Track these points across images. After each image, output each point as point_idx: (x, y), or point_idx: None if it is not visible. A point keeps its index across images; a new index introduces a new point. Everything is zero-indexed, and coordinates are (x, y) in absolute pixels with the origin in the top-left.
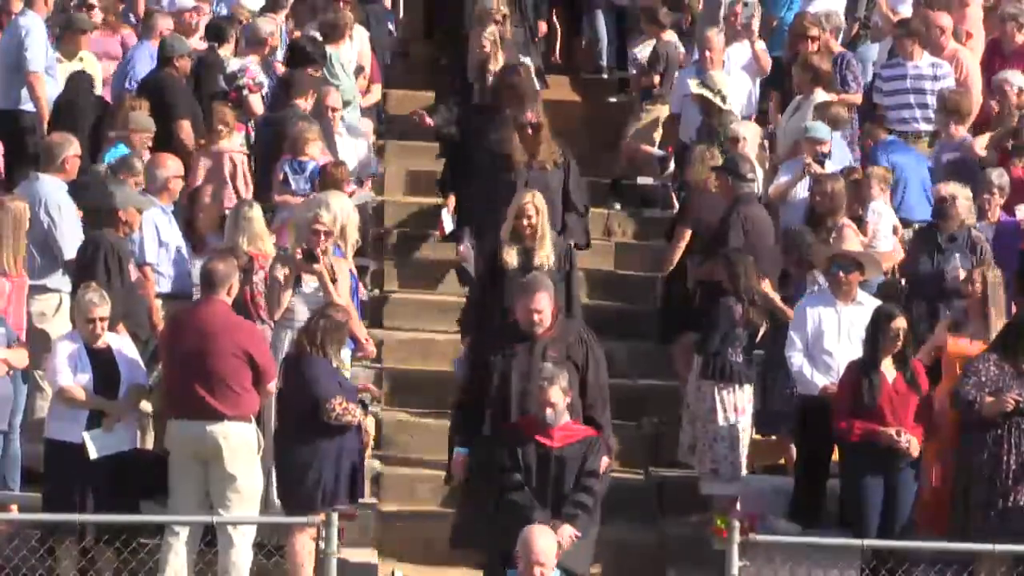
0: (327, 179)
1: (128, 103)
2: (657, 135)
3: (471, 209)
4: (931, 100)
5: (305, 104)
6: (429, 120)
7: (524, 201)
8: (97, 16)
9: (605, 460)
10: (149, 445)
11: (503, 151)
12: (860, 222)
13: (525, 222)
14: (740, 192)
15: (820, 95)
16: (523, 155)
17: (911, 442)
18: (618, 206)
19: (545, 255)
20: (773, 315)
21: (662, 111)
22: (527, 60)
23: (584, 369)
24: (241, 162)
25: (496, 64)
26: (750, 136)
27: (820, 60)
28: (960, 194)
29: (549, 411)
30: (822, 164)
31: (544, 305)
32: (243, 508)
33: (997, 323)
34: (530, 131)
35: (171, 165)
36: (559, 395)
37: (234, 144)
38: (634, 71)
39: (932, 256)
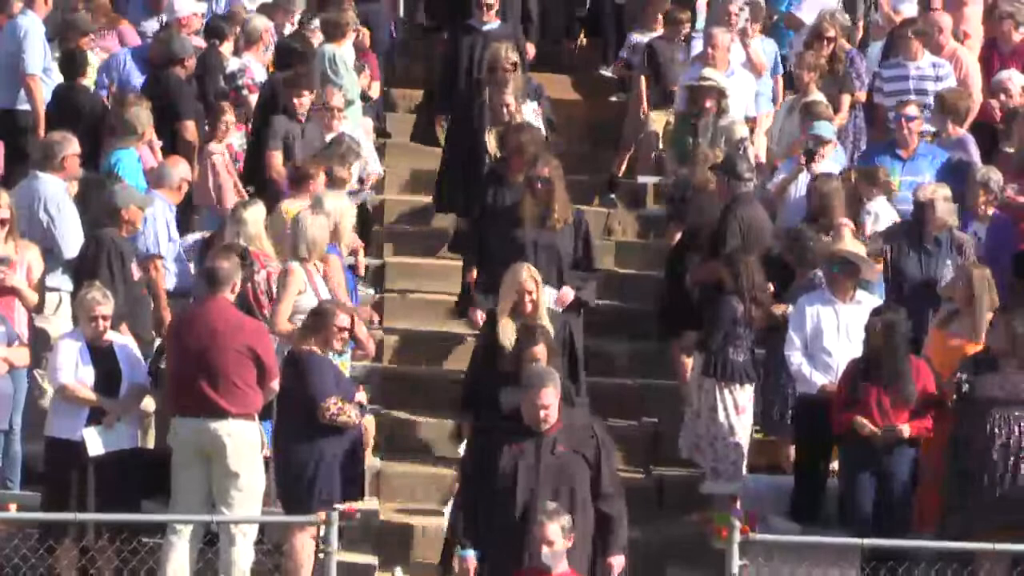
0: (298, 177)
1: (131, 100)
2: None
3: (485, 273)
4: (933, 100)
5: (301, 103)
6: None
7: (522, 277)
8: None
9: (620, 559)
10: (151, 444)
11: (512, 208)
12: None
13: (527, 298)
14: (737, 192)
15: (814, 94)
16: (533, 213)
17: (899, 429)
18: (619, 204)
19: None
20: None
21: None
22: (534, 105)
23: (596, 463)
24: (215, 161)
25: (519, 118)
26: (742, 134)
27: (816, 59)
28: (940, 195)
29: (546, 550)
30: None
31: (551, 400)
32: (246, 506)
33: (984, 321)
34: (540, 187)
35: (183, 167)
36: (558, 535)
37: (223, 145)
38: (625, 55)
39: (919, 258)
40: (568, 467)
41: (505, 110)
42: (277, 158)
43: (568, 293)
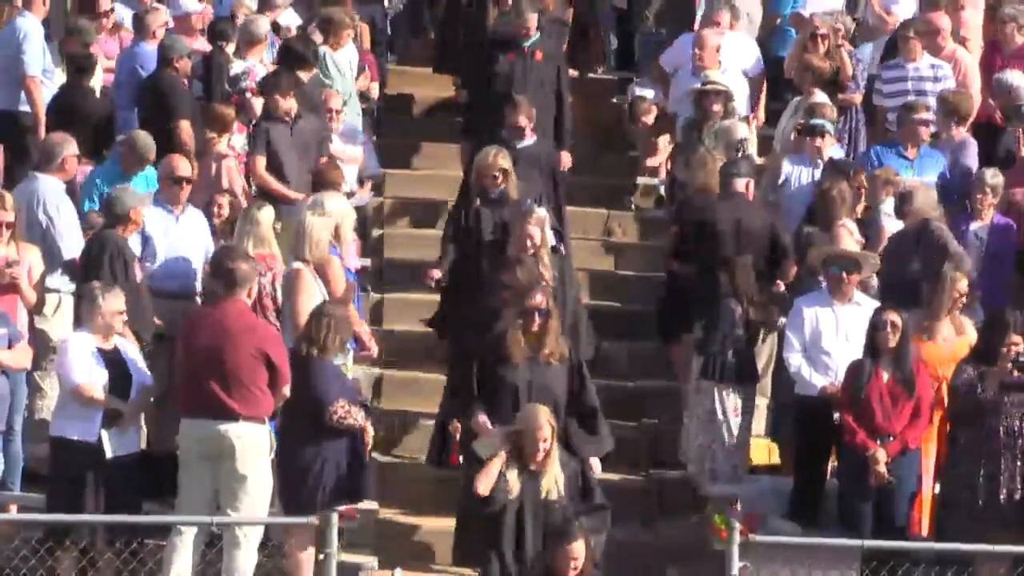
0: (321, 179)
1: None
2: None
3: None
4: (932, 101)
5: (285, 105)
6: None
7: (538, 425)
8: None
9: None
10: (143, 445)
11: (499, 342)
12: (864, 224)
13: (541, 445)
14: (732, 192)
15: (819, 96)
16: (524, 350)
17: (879, 456)
18: (634, 206)
19: (552, 478)
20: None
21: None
22: (541, 211)
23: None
24: (226, 167)
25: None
26: (742, 134)
27: (819, 60)
28: (918, 186)
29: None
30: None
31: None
32: (252, 510)
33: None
34: (536, 319)
35: (183, 167)
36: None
37: (224, 147)
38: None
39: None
40: None
41: (529, 241)
42: (260, 163)
43: (597, 465)
